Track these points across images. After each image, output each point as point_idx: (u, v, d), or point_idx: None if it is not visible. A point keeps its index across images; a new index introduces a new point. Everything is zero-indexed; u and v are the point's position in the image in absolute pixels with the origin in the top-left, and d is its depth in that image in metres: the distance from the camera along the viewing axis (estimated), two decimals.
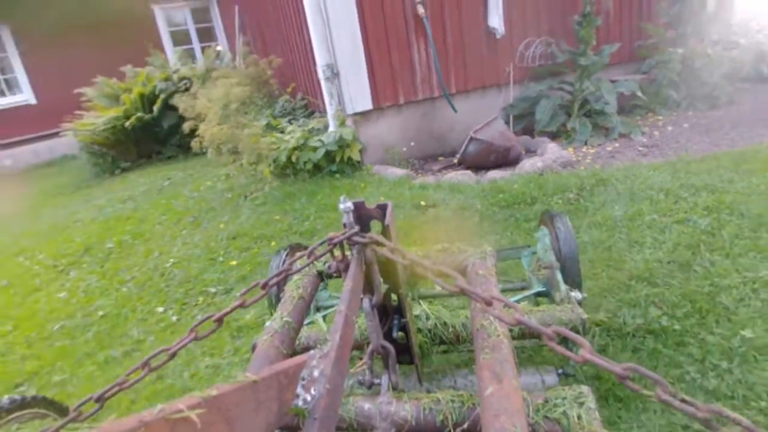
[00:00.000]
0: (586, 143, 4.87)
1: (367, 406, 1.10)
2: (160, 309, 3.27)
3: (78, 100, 8.19)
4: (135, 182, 7.03)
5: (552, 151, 4.52)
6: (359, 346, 1.47)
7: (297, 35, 5.86)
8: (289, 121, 5.55)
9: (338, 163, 4.86)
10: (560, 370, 1.40)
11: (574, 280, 1.70)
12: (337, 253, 1.08)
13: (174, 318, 3.11)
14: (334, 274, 1.14)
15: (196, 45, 11.44)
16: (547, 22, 5.30)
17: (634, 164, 4.11)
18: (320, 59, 4.72)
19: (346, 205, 1.03)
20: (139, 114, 7.59)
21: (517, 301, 1.59)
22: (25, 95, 10.57)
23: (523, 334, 1.39)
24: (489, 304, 0.85)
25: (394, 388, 1.17)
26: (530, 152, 4.86)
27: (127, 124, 7.48)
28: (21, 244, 5.42)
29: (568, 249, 1.73)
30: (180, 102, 4.99)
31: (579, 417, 0.95)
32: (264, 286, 1.00)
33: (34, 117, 10.41)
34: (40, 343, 3.31)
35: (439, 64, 4.94)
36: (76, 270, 4.39)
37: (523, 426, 0.79)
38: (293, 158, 4.82)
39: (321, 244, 1.05)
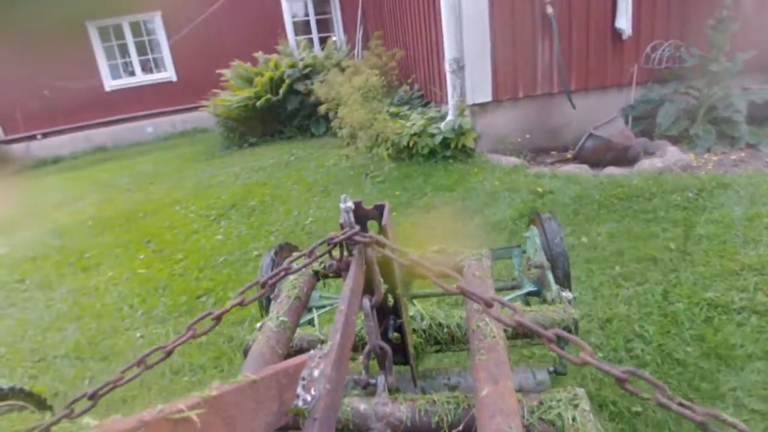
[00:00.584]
0: (708, 150, 4.94)
1: (362, 406, 1.11)
2: None
3: (211, 80, 9.44)
4: (263, 155, 8.03)
5: (672, 154, 4.69)
6: (354, 347, 1.46)
7: (423, 31, 6.47)
8: (409, 110, 6.20)
9: (453, 149, 5.39)
10: (551, 369, 1.45)
11: (564, 280, 1.76)
12: (336, 253, 1.11)
13: None
14: (331, 274, 1.17)
15: (315, 35, 12.52)
16: (678, 25, 5.40)
17: (758, 173, 4.19)
18: (449, 53, 5.27)
19: (346, 204, 1.05)
20: (268, 96, 8.65)
21: (510, 301, 1.60)
22: (168, 73, 12.27)
23: (516, 333, 1.40)
24: (489, 305, 0.88)
25: (390, 389, 1.19)
26: (648, 154, 5.03)
27: (257, 104, 8.57)
28: (174, 196, 6.54)
29: (558, 249, 1.79)
30: (319, 88, 5.84)
31: (573, 419, 0.97)
32: (263, 285, 1.03)
33: (173, 93, 12.06)
34: (209, 270, 4.19)
35: (563, 62, 5.27)
36: (226, 220, 5.34)
37: (518, 427, 0.81)
38: (411, 143, 5.42)
39: (321, 243, 1.08)
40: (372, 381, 1.18)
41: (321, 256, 1.11)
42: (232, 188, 6.30)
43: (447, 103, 5.59)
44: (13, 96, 11.46)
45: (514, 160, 5.09)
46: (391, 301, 1.27)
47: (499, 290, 1.98)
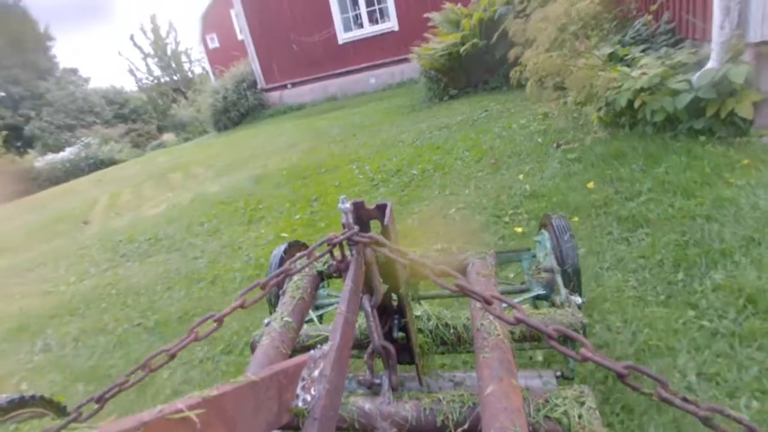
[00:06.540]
0: None
1: (367, 406, 1.11)
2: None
3: (427, 27, 8.60)
4: (456, 110, 7.11)
5: None
6: (359, 346, 1.47)
7: None
8: (644, 51, 4.08)
9: (708, 119, 3.30)
10: (558, 373, 1.36)
11: (574, 284, 1.64)
12: (337, 253, 1.09)
13: None
14: (334, 274, 1.16)
15: None
16: None
17: None
18: None
19: (345, 205, 1.04)
20: (475, 41, 7.37)
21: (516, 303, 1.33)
22: (391, 23, 12.02)
23: (523, 336, 1.38)
24: (489, 303, 0.86)
25: (395, 389, 1.17)
26: None
27: (461, 50, 7.45)
28: (359, 153, 6.37)
29: (569, 253, 1.68)
30: (511, 24, 4.23)
31: (580, 416, 0.95)
32: (264, 286, 1.01)
33: (394, 43, 11.83)
34: None
35: None
36: (384, 187, 4.76)
37: (523, 425, 0.79)
38: (636, 103, 3.52)
39: (321, 244, 1.05)
40: (376, 380, 1.17)
41: (321, 256, 1.09)
42: (406, 150, 5.66)
43: (710, 40, 3.42)
44: (272, 50, 13.03)
45: None
46: (395, 300, 1.25)
47: (507, 293, 1.89)
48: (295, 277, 1.42)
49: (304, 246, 2.03)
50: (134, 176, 10.75)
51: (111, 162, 17.22)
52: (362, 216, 1.09)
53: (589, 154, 3.70)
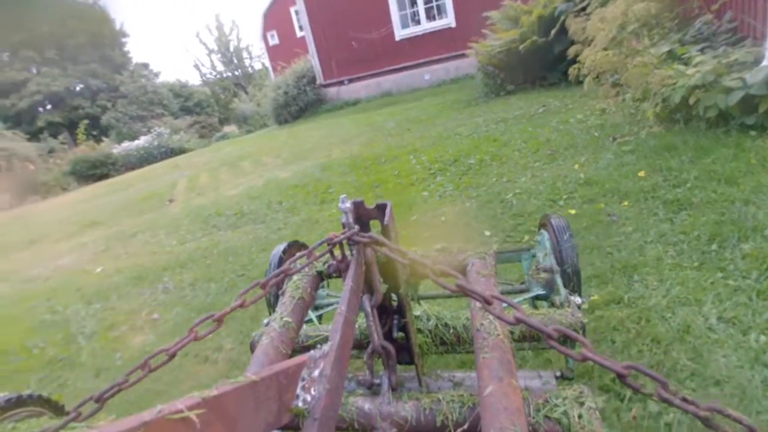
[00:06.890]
0: None
1: (367, 406, 1.12)
2: (488, 233, 3.38)
3: (485, 23, 8.95)
4: (513, 105, 7.42)
5: None
6: (359, 346, 1.48)
7: None
8: (702, 50, 4.31)
9: (761, 114, 3.55)
10: (558, 373, 1.38)
11: (573, 285, 1.68)
12: (337, 253, 1.10)
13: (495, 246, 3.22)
14: (334, 274, 1.17)
15: None
16: None
17: None
18: None
19: (345, 205, 1.04)
20: (534, 38, 7.66)
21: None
22: (449, 19, 12.41)
23: (523, 336, 1.40)
24: (489, 303, 0.86)
25: (394, 389, 1.19)
26: None
27: (521, 47, 7.76)
28: (415, 145, 6.85)
29: (569, 253, 1.71)
30: (572, 23, 4.57)
31: (580, 416, 0.95)
32: (263, 286, 1.02)
33: (450, 39, 12.20)
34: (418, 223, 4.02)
35: None
36: (441, 176, 5.15)
37: (522, 425, 0.79)
38: (691, 100, 3.79)
39: (320, 244, 1.07)
40: (376, 381, 1.18)
41: (321, 256, 1.11)
42: (463, 142, 6.09)
43: (766, 38, 3.67)
44: (331, 47, 13.72)
45: None
46: (395, 300, 1.27)
47: (506, 293, 1.91)
48: (295, 277, 1.42)
49: (304, 246, 2.08)
50: (207, 163, 11.77)
51: (181, 150, 18.63)
52: (362, 216, 1.10)
53: (643, 147, 4.02)
